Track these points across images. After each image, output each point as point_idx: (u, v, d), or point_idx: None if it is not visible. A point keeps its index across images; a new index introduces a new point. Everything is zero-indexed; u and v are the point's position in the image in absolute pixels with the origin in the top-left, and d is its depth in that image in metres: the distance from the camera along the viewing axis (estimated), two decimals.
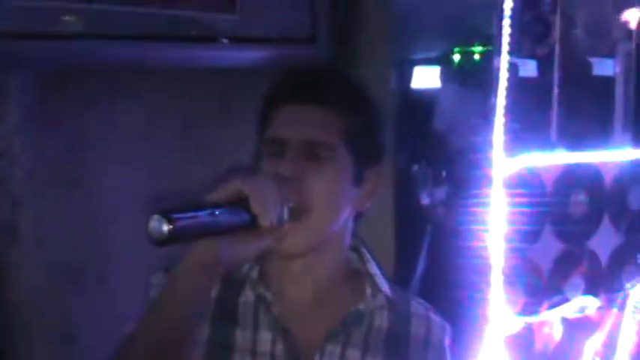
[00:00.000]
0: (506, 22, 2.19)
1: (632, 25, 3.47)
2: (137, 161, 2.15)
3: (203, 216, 1.21)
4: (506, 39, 2.18)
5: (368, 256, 1.56)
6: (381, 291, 1.51)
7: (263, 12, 2.18)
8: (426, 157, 5.50)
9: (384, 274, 1.56)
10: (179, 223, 1.15)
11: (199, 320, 1.37)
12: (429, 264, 4.16)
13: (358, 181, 1.48)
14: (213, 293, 1.47)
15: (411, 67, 7.29)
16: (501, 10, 2.21)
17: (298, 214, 1.37)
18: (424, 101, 7.20)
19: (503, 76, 2.20)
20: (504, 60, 2.21)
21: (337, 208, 1.45)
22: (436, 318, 1.57)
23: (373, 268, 1.54)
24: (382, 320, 1.51)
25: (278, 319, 1.46)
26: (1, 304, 2.00)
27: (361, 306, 1.50)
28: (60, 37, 1.94)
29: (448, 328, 1.58)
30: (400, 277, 2.96)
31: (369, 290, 1.51)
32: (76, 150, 2.09)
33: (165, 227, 1.13)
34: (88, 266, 2.12)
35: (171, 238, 1.15)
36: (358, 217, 1.54)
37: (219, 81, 2.17)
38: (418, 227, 4.31)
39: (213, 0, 2.11)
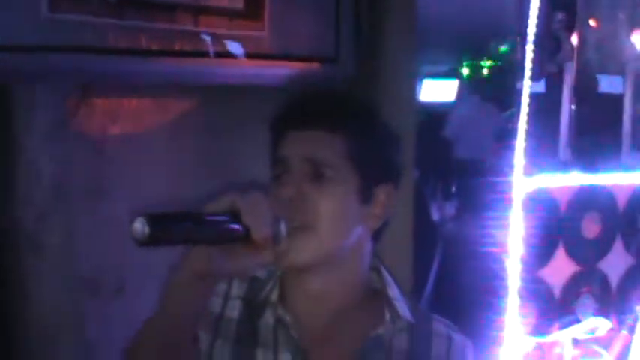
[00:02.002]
0: (530, 48, 2.21)
1: None
2: (159, 175, 2.18)
3: (188, 222, 1.25)
4: (528, 64, 2.20)
5: (388, 277, 1.57)
6: (399, 316, 1.52)
7: (289, 30, 2.21)
8: (435, 171, 5.53)
9: (403, 295, 1.56)
10: (160, 226, 1.20)
11: (198, 319, 1.38)
12: (440, 280, 4.18)
13: (367, 199, 1.49)
14: (235, 315, 1.51)
15: (420, 81, 7.33)
16: (524, 35, 2.23)
17: (300, 231, 1.40)
18: (433, 114, 7.25)
19: (525, 101, 2.22)
20: (527, 85, 2.23)
21: (342, 225, 1.46)
22: (458, 336, 1.56)
23: (393, 291, 1.54)
24: (402, 343, 1.51)
25: (297, 341, 1.47)
26: (23, 315, 2.02)
27: (381, 330, 1.50)
28: (88, 50, 1.97)
29: (471, 345, 1.58)
30: (416, 294, 2.99)
31: (388, 315, 1.52)
32: (100, 163, 2.12)
33: (147, 229, 1.18)
34: (108, 278, 2.14)
35: (152, 239, 1.19)
36: (376, 236, 1.55)
37: (245, 96, 2.20)
38: (430, 243, 4.32)
39: (242, 19, 2.14)
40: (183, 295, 1.30)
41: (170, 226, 1.23)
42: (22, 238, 2.03)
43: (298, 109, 1.51)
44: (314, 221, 1.42)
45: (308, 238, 1.41)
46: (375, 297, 1.55)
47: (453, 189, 5.50)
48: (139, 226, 1.18)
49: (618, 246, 2.70)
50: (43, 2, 1.86)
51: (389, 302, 1.53)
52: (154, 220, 1.19)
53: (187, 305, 1.31)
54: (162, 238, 1.21)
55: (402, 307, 1.53)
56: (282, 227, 1.34)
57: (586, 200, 2.61)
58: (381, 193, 1.51)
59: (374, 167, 1.49)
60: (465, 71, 9.08)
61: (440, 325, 1.57)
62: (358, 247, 1.51)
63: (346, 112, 1.51)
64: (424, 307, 3.88)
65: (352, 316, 1.51)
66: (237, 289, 1.54)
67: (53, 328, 2.04)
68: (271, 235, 1.30)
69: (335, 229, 1.45)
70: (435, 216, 5.05)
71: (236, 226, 1.27)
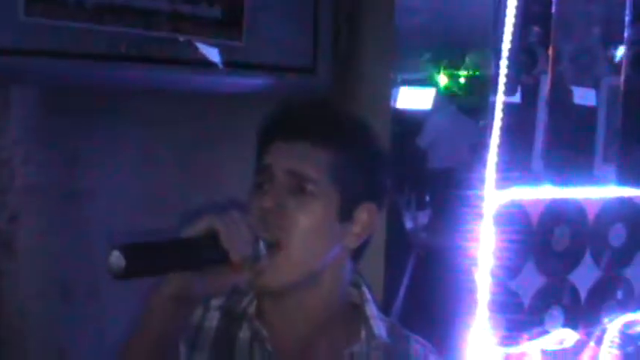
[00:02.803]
0: (504, 63, 2.22)
1: (617, 59, 3.53)
2: (134, 181, 2.18)
3: (167, 252, 1.24)
4: (502, 79, 2.22)
5: (367, 295, 1.56)
6: (374, 336, 1.51)
7: (267, 40, 2.21)
8: (409, 179, 5.56)
9: (380, 314, 1.56)
10: (138, 260, 1.19)
11: (179, 336, 1.40)
12: (411, 289, 4.20)
13: (346, 217, 1.46)
14: (213, 325, 1.50)
15: (396, 88, 7.36)
16: (499, 50, 2.25)
17: (277, 247, 1.38)
18: (408, 122, 7.28)
19: (499, 115, 2.24)
20: (500, 100, 2.24)
21: (319, 243, 1.44)
22: (434, 357, 1.57)
23: (370, 309, 1.54)
24: None
25: (272, 355, 1.47)
26: None
27: (356, 348, 1.50)
28: (63, 55, 1.97)
29: None
30: (387, 302, 3.00)
31: (364, 333, 1.52)
32: (75, 166, 2.11)
33: (123, 263, 1.16)
34: (81, 281, 2.14)
35: (130, 273, 1.18)
36: (356, 255, 1.53)
37: (220, 105, 2.20)
38: (403, 251, 4.34)
39: (220, 27, 2.14)
40: (160, 317, 1.30)
41: (147, 257, 1.21)
42: None
43: (285, 119, 1.50)
44: (290, 237, 1.40)
45: (284, 259, 1.40)
46: (353, 313, 1.55)
47: (427, 198, 5.52)
48: (115, 260, 1.17)
49: (587, 259, 2.73)
50: (20, 5, 1.86)
51: (365, 320, 1.53)
52: (129, 252, 1.17)
53: (165, 326, 1.31)
54: (139, 271, 1.19)
55: (378, 326, 1.53)
56: (261, 247, 1.34)
57: (557, 213, 2.64)
58: (363, 212, 1.49)
59: (356, 184, 1.47)
60: (442, 80, 9.13)
61: (417, 346, 1.57)
62: (336, 265, 1.49)
63: (333, 126, 1.49)
64: (396, 311, 3.92)
65: (329, 332, 1.51)
66: (216, 299, 1.53)
67: (24, 330, 2.04)
68: (249, 255, 1.30)
69: (312, 247, 1.43)
70: (408, 225, 5.07)
71: (214, 250, 1.26)
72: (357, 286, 1.57)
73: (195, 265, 1.27)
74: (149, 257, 1.22)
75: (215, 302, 1.53)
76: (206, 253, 1.27)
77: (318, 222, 1.43)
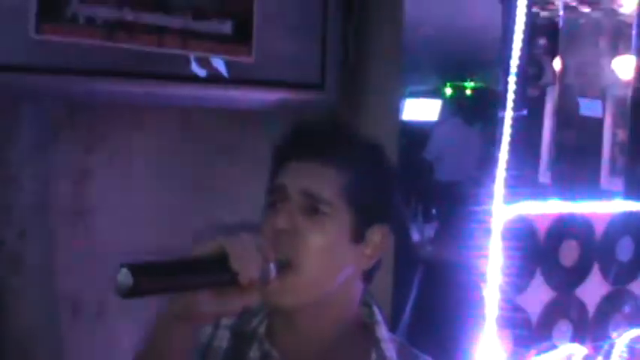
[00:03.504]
0: (512, 79, 2.23)
1: (623, 71, 3.53)
2: (142, 197, 2.19)
3: (175, 272, 1.24)
4: (511, 95, 2.22)
5: (378, 316, 1.55)
6: (386, 358, 1.50)
7: (276, 56, 2.23)
8: (416, 192, 5.56)
9: (390, 335, 1.55)
10: (145, 279, 1.18)
11: (189, 356, 1.38)
12: (418, 303, 4.19)
13: (359, 238, 1.46)
14: (224, 345, 1.50)
15: (403, 100, 7.36)
16: (507, 66, 2.26)
17: (289, 267, 1.38)
18: (415, 134, 7.29)
19: (507, 131, 2.24)
20: (509, 115, 2.25)
21: (331, 265, 1.44)
22: None
23: (381, 332, 1.53)
24: None
25: None
26: (2, 331, 2.02)
27: None
28: (74, 72, 1.98)
29: None
30: (394, 316, 3.00)
31: (374, 356, 1.51)
32: (82, 182, 2.13)
33: (131, 281, 1.16)
34: (89, 297, 2.15)
35: (137, 292, 1.17)
36: (367, 276, 1.53)
37: (230, 121, 2.22)
38: (410, 264, 4.33)
39: (230, 43, 2.16)
40: (165, 336, 1.30)
41: (155, 276, 1.20)
42: (2, 254, 2.04)
43: (300, 139, 1.50)
44: (303, 258, 1.40)
45: (296, 279, 1.39)
46: (363, 333, 1.54)
47: (434, 211, 5.52)
48: (123, 278, 1.16)
49: (595, 273, 2.73)
50: (31, 23, 1.88)
51: (376, 343, 1.52)
52: (137, 270, 1.16)
53: (171, 345, 1.31)
54: (147, 290, 1.18)
55: (389, 349, 1.52)
56: (272, 268, 1.34)
57: (564, 228, 2.64)
58: (375, 234, 1.48)
59: (369, 206, 1.47)
60: (448, 91, 9.15)
61: None
62: (348, 286, 1.49)
63: (348, 147, 1.49)
64: (401, 332, 3.91)
65: (339, 353, 1.50)
66: (226, 318, 1.52)
67: (30, 346, 2.05)
68: (260, 276, 1.30)
69: (324, 268, 1.43)
70: (415, 237, 5.07)
71: (223, 272, 1.26)
72: (367, 305, 1.56)
73: (203, 286, 1.27)
74: (157, 276, 1.21)
75: (225, 321, 1.53)
76: (215, 275, 1.27)
77: (330, 243, 1.43)
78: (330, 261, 1.44)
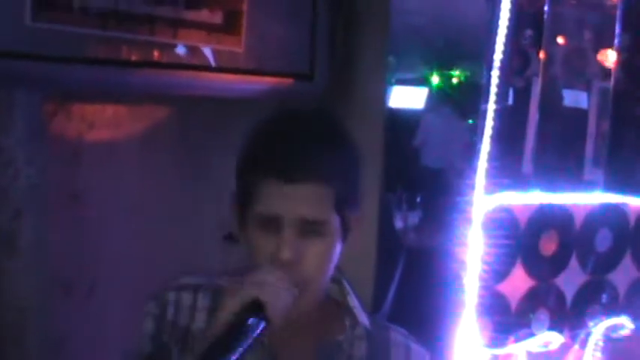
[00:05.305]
0: (495, 73, 2.27)
1: (609, 63, 3.57)
2: (132, 181, 2.23)
3: (226, 344, 1.32)
4: (494, 88, 2.26)
5: (348, 288, 1.60)
6: (359, 323, 1.56)
7: (265, 46, 2.26)
8: (401, 179, 5.58)
9: (362, 305, 1.60)
10: None
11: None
12: (400, 289, 4.23)
13: (345, 237, 1.51)
14: (202, 327, 1.52)
15: (390, 88, 7.38)
16: (491, 58, 2.29)
17: (300, 290, 1.42)
18: (401, 122, 7.32)
19: (489, 123, 2.28)
20: (491, 108, 2.28)
21: (330, 270, 1.50)
22: (415, 346, 1.60)
23: (353, 301, 1.58)
24: (360, 350, 1.56)
25: (267, 346, 1.50)
26: None
27: (341, 337, 1.55)
28: (68, 60, 2.01)
29: (427, 355, 1.62)
30: (377, 301, 3.04)
31: (348, 322, 1.56)
32: (76, 166, 2.16)
33: None
34: (81, 276, 2.19)
35: None
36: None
37: (217, 108, 2.25)
38: (393, 251, 4.36)
39: (221, 33, 2.19)
40: None
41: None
42: None
43: (278, 158, 1.43)
44: (313, 280, 1.45)
45: (307, 296, 1.45)
46: (335, 307, 1.58)
47: (418, 199, 5.55)
48: None
49: (574, 263, 2.77)
50: (26, 11, 1.91)
51: (349, 311, 1.57)
52: None
53: None
54: None
55: (361, 315, 1.58)
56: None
57: (545, 218, 2.67)
58: (353, 224, 1.52)
59: (352, 207, 1.50)
60: (435, 80, 9.18)
61: (397, 335, 1.61)
62: None
63: (336, 159, 1.47)
64: (382, 317, 3.95)
65: (316, 324, 1.54)
66: (202, 300, 1.55)
67: (24, 325, 2.08)
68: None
69: (326, 277, 1.50)
70: (399, 224, 5.10)
71: (261, 322, 1.34)
72: (337, 281, 1.59)
73: (247, 343, 1.33)
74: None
75: (201, 303, 1.55)
76: (254, 329, 1.34)
77: (332, 256, 1.48)
78: (330, 268, 1.50)
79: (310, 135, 1.48)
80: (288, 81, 2.32)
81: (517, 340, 2.64)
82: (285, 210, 1.42)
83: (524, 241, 2.62)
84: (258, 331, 1.34)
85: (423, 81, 9.17)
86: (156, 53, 2.10)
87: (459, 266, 2.47)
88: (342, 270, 1.61)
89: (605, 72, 3.53)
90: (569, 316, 2.77)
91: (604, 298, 2.85)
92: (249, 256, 1.47)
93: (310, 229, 1.43)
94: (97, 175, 2.18)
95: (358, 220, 1.54)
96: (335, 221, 1.46)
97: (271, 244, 1.43)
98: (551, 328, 2.72)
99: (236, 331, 1.33)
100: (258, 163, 1.45)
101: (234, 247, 1.47)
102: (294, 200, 1.42)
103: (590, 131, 3.48)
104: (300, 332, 1.55)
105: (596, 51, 3.66)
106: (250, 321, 1.33)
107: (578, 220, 2.76)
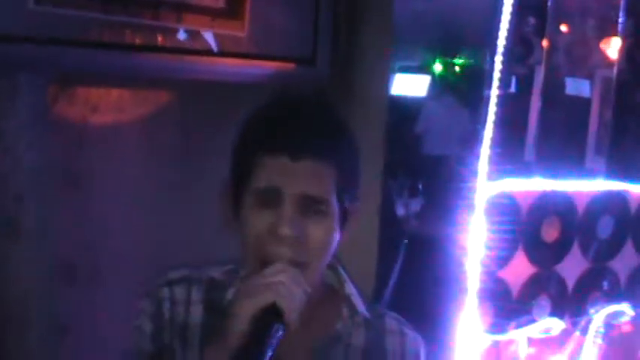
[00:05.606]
0: (499, 58, 2.27)
1: (612, 52, 3.56)
2: (135, 165, 2.23)
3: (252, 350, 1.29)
4: (497, 74, 2.26)
5: (345, 275, 1.60)
6: (357, 312, 1.56)
7: (268, 31, 2.26)
8: (403, 167, 5.59)
9: (359, 292, 1.60)
10: None
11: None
12: (402, 276, 4.24)
13: (344, 224, 1.49)
14: (198, 321, 1.52)
15: (392, 75, 7.37)
16: (494, 45, 2.29)
17: (299, 268, 1.40)
18: (403, 109, 7.32)
19: (492, 109, 2.28)
20: (494, 94, 2.28)
21: (329, 254, 1.48)
22: (410, 332, 1.61)
23: (350, 289, 1.58)
24: (359, 339, 1.56)
25: None
26: None
27: (339, 326, 1.55)
28: (71, 43, 2.01)
29: (422, 341, 1.62)
30: (378, 289, 3.05)
31: (345, 311, 1.56)
32: (77, 151, 2.16)
33: None
34: (83, 262, 2.19)
35: None
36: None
37: (220, 93, 2.25)
38: (395, 238, 4.37)
39: (224, 17, 2.18)
40: None
41: None
42: None
43: (292, 134, 1.42)
44: (313, 259, 1.44)
45: (306, 278, 1.41)
46: (332, 295, 1.58)
47: (420, 186, 5.56)
48: None
49: (575, 250, 2.78)
50: None
51: (347, 299, 1.57)
52: None
53: None
54: None
55: (359, 304, 1.58)
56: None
57: (547, 205, 2.68)
58: (353, 212, 1.51)
59: (351, 193, 1.49)
60: (438, 68, 9.16)
61: (392, 321, 1.61)
62: None
63: (338, 141, 1.47)
64: (383, 304, 3.96)
65: (313, 314, 1.51)
66: (196, 292, 1.54)
67: (26, 310, 2.09)
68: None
69: (325, 260, 1.49)
70: (400, 212, 5.11)
71: (279, 325, 1.32)
72: (332, 268, 1.59)
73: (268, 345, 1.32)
74: None
75: (195, 296, 1.54)
76: (275, 336, 1.31)
77: (331, 238, 1.46)
78: (330, 251, 1.48)
79: (312, 115, 1.48)
80: (290, 66, 2.32)
81: (518, 326, 2.66)
82: (286, 184, 1.40)
83: (526, 228, 2.63)
84: (277, 337, 1.32)
85: (426, 68, 9.16)
86: (159, 37, 2.09)
87: (460, 253, 2.48)
88: (339, 257, 1.61)
89: (608, 60, 3.52)
90: (571, 303, 2.79)
91: (605, 284, 2.86)
92: (242, 244, 1.44)
93: (311, 207, 1.41)
94: (99, 160, 2.18)
95: (357, 213, 1.53)
96: (334, 203, 1.44)
97: (269, 219, 1.41)
98: (553, 314, 2.73)
99: (260, 340, 1.30)
100: (259, 140, 1.44)
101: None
102: (296, 176, 1.40)
103: (592, 119, 3.47)
104: (299, 324, 1.55)
105: (599, 39, 3.66)
106: (273, 328, 1.31)
107: (580, 207, 2.78)
